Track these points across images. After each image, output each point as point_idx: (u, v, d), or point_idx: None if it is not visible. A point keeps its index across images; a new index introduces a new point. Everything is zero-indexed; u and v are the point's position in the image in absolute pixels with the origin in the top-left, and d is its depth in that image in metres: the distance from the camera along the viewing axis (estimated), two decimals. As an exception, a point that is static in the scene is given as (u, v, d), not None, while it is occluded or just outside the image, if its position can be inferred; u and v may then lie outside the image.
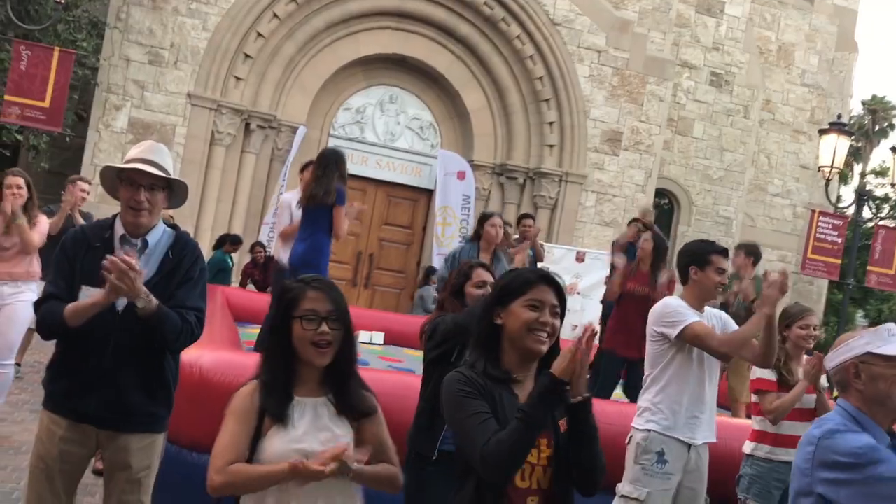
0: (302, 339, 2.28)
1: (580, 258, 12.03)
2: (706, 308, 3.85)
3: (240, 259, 11.87)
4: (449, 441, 3.16)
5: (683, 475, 3.69)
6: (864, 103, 29.96)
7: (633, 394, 6.01)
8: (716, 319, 3.83)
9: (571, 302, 12.31)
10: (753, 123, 16.47)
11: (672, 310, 3.71)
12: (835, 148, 10.84)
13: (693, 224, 16.12)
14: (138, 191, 2.86)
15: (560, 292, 2.23)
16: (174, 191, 3.02)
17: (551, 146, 13.69)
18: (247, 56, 12.35)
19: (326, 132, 13.44)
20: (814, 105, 17.06)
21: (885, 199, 24.09)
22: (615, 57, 13.81)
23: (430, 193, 13.74)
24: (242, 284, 11.16)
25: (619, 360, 6.48)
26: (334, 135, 13.48)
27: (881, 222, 17.11)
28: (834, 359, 2.31)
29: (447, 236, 13.16)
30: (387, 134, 13.80)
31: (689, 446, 3.69)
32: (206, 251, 11.62)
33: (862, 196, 11.66)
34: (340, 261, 13.15)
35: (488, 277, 3.52)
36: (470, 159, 13.63)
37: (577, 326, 11.31)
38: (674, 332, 3.65)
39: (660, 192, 15.79)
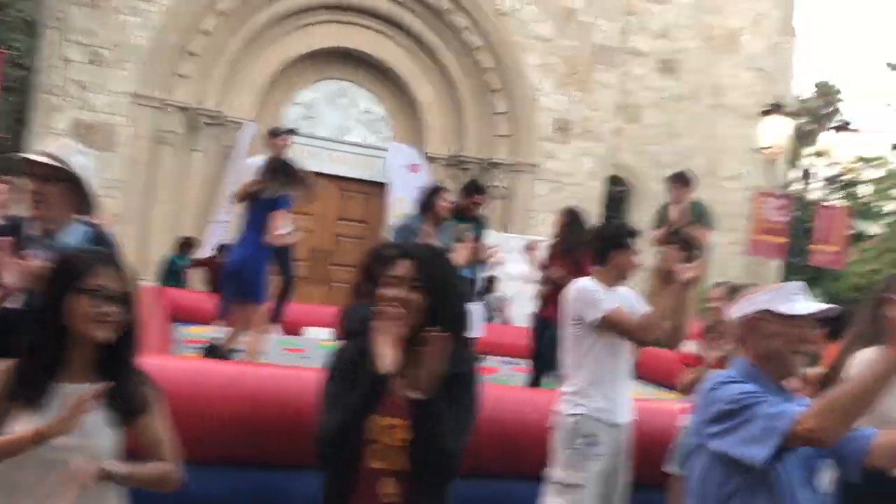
0: (83, 316, 2.09)
1: (532, 248, 11.99)
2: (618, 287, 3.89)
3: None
4: None
5: (612, 455, 3.72)
6: (817, 86, 30.42)
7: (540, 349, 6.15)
8: (623, 298, 3.86)
9: (532, 290, 12.50)
10: (703, 109, 16.64)
11: (588, 293, 3.73)
12: (776, 130, 11.00)
13: (648, 211, 16.21)
14: (32, 182, 2.92)
15: (422, 266, 2.19)
16: (85, 192, 2.98)
17: (503, 136, 13.71)
18: (191, 53, 12.17)
19: (276, 128, 13.29)
20: (760, 89, 17.26)
21: (834, 179, 24.47)
22: (562, 46, 13.85)
23: (384, 186, 13.66)
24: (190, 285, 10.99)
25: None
26: (284, 131, 13.33)
27: (834, 202, 17.41)
28: (736, 312, 2.32)
29: (402, 229, 13.08)
30: (338, 128, 13.69)
31: (616, 426, 3.72)
32: (155, 253, 11.45)
33: (806, 176, 11.84)
34: (295, 258, 13.00)
35: None
36: (423, 152, 13.59)
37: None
38: (592, 317, 3.67)
39: (615, 180, 15.89)
